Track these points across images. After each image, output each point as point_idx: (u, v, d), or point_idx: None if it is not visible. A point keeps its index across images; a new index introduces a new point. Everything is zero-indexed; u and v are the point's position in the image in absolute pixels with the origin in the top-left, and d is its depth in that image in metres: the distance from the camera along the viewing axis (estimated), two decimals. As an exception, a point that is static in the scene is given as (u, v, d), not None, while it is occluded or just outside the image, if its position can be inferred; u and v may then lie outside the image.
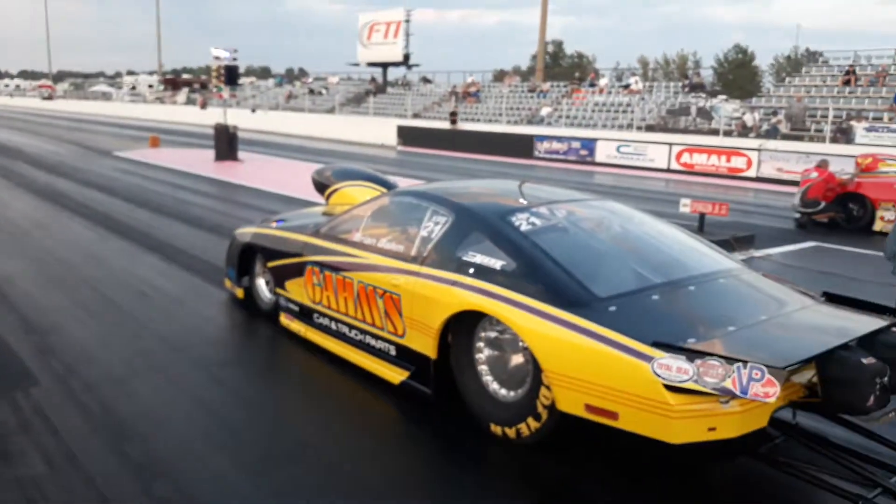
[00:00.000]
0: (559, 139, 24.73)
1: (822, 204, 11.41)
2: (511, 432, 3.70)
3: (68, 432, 3.82)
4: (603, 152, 23.14)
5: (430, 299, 4.01)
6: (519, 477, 3.57)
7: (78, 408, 4.13)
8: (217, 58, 19.38)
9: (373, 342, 4.51)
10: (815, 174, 11.63)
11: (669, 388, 2.99)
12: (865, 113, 21.55)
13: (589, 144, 23.65)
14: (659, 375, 3.00)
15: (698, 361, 2.93)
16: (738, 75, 60.95)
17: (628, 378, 3.10)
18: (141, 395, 4.33)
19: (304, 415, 4.20)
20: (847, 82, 23.73)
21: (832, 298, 3.87)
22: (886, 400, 3.07)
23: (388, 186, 6.17)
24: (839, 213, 11.45)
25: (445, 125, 30.11)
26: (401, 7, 38.22)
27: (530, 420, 3.60)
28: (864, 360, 2.99)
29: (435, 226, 4.31)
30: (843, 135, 20.48)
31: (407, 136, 29.48)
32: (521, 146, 25.23)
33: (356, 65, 41.50)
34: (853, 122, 20.69)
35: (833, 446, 3.34)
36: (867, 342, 3.24)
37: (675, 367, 2.97)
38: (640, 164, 21.92)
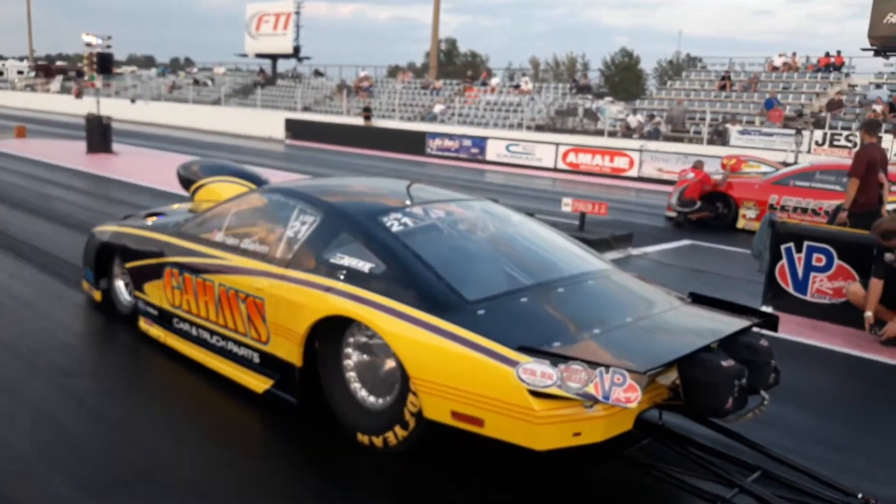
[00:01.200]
0: (451, 137, 24.85)
1: (698, 203, 11.88)
2: (378, 441, 3.54)
3: None
4: (493, 151, 23.42)
5: (296, 304, 3.79)
6: (387, 488, 3.43)
7: None
8: (88, 44, 18.17)
9: (235, 349, 4.23)
10: (691, 175, 12.11)
11: (534, 393, 2.92)
12: (739, 116, 22.86)
13: (480, 143, 23.88)
14: (523, 380, 2.92)
15: (562, 366, 2.88)
16: (623, 78, 63.37)
17: (493, 383, 3.01)
18: (-28, 412, 3.87)
19: (159, 428, 3.86)
20: (723, 87, 25.12)
21: (698, 299, 3.93)
22: (744, 402, 3.13)
23: (259, 182, 5.86)
24: (711, 211, 12.00)
25: (336, 119, 29.66)
26: (291, -1, 37.40)
27: (398, 428, 3.46)
28: (724, 363, 3.03)
29: (302, 226, 4.08)
30: (720, 137, 21.64)
31: (296, 129, 28.83)
32: (414, 143, 25.19)
33: (244, 56, 40.30)
34: (728, 125, 21.91)
35: (697, 447, 3.38)
36: (728, 343, 3.30)
37: (540, 372, 2.90)
38: (528, 163, 22.34)
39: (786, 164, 13.10)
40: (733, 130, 21.45)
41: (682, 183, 12.16)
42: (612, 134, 23.74)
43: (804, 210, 10.94)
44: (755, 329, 3.56)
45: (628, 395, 2.75)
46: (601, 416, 2.94)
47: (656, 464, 3.20)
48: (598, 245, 8.06)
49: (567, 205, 9.47)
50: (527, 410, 2.92)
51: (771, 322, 3.71)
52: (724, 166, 14.94)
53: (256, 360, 4.10)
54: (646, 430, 3.37)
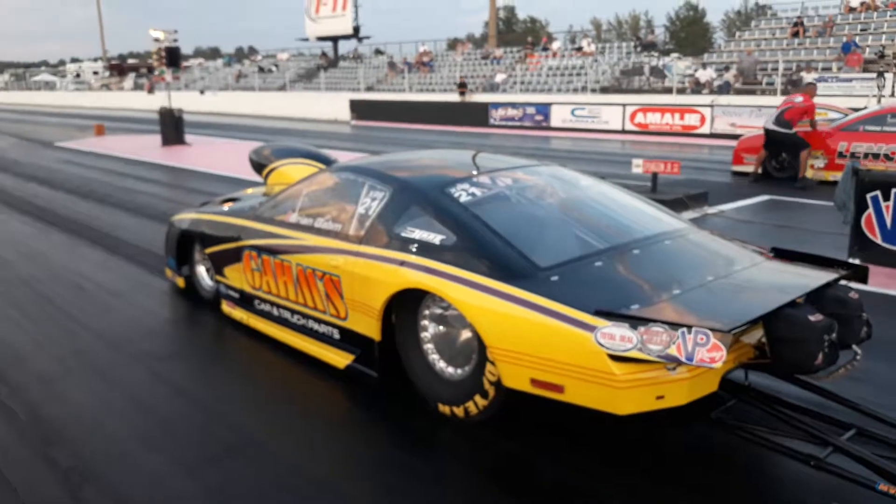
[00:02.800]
0: (514, 105, 24.56)
1: (793, 130, 11.10)
2: (459, 411, 3.57)
3: (-10, 441, 3.59)
4: (558, 117, 23.04)
5: (371, 279, 3.84)
6: (470, 456, 3.45)
7: (2, 414, 3.89)
8: (156, 39, 18.73)
9: (315, 326, 4.33)
10: (799, 99, 11.25)
11: (614, 357, 2.88)
12: (814, 64, 21.73)
13: (544, 109, 23.52)
14: (602, 345, 2.88)
15: (642, 329, 2.82)
16: (690, 33, 61.14)
17: (572, 349, 2.98)
18: (72, 396, 4.10)
19: (246, 406, 4.00)
20: (796, 34, 23.90)
21: (781, 254, 3.79)
22: (835, 357, 3.00)
23: (328, 162, 5.93)
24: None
25: (398, 96, 29.70)
26: (347, -22, 37.50)
27: (478, 398, 3.48)
28: (812, 318, 2.91)
29: (372, 202, 4.12)
30: (794, 86, 20.61)
31: (360, 109, 29.06)
32: (477, 114, 25.02)
33: (305, 40, 40.72)
34: (803, 74, 20.84)
35: (786, 406, 3.27)
36: (816, 297, 3.17)
37: (619, 336, 2.85)
38: (594, 126, 21.89)
39: (856, 111, 12.37)
40: (809, 78, 20.34)
41: (785, 104, 11.36)
42: (681, 91, 22.97)
43: (875, 156, 10.37)
44: (843, 282, 3.41)
45: (713, 356, 2.67)
46: (685, 378, 2.87)
47: (744, 425, 3.12)
48: (673, 205, 7.85)
49: (638, 166, 9.25)
50: (608, 375, 2.89)
51: (860, 274, 3.54)
52: None
53: (336, 336, 4.18)
54: (732, 391, 3.28)
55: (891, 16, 22.93)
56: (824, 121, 12.31)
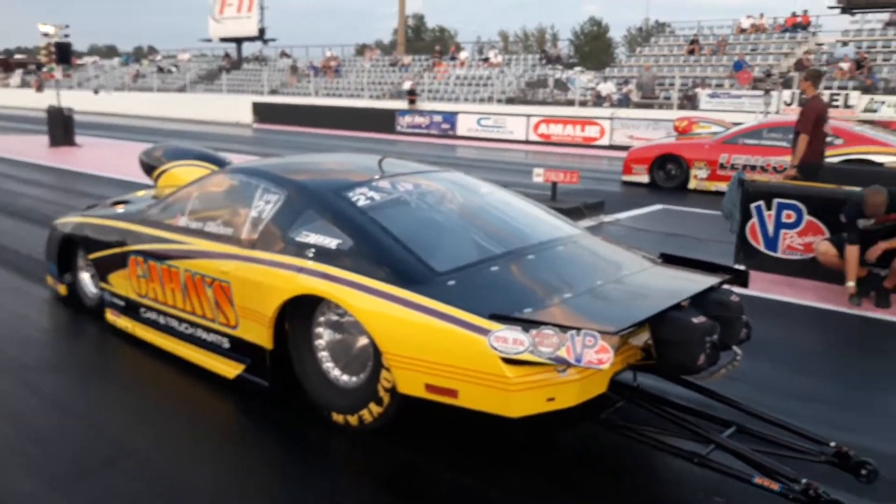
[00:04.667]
0: (421, 113, 24.66)
1: None
2: (353, 419, 3.50)
3: None
4: (464, 126, 23.29)
5: (263, 285, 3.71)
6: (363, 465, 3.40)
7: None
8: (45, 34, 17.71)
9: (204, 335, 4.16)
10: None
11: (507, 360, 2.89)
12: (709, 80, 22.89)
13: (450, 118, 23.73)
14: (496, 348, 2.89)
15: (534, 332, 2.85)
16: (593, 47, 63.25)
17: (466, 353, 2.98)
18: (-66, 413, 3.78)
19: (128, 419, 3.79)
20: (692, 51, 25.14)
21: (668, 259, 3.92)
22: (717, 357, 3.12)
23: (222, 164, 5.74)
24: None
25: (302, 100, 29.26)
26: (255, -20, 36.70)
27: (372, 405, 3.42)
28: (695, 320, 3.01)
29: (266, 205, 3.99)
30: (689, 101, 21.66)
31: (263, 112, 28.49)
32: (384, 121, 24.98)
33: (208, 41, 39.60)
34: (698, 90, 21.92)
35: (671, 406, 3.37)
36: (699, 301, 3.28)
37: (512, 339, 2.87)
38: (499, 136, 22.26)
39: (736, 125, 13.20)
40: (703, 94, 21.47)
41: None
42: (583, 103, 23.68)
43: (753, 167, 11.04)
44: (726, 286, 3.55)
45: (600, 357, 2.72)
46: (575, 379, 2.91)
47: (632, 425, 3.20)
48: (571, 213, 8.04)
49: (539, 175, 9.43)
50: (500, 378, 2.89)
51: (741, 278, 3.71)
52: (675, 128, 15.03)
53: (226, 345, 4.03)
54: (620, 392, 3.36)
55: (777, 38, 24.49)
56: (708, 133, 13.02)
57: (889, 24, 23.05)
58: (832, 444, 3.07)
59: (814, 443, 3.15)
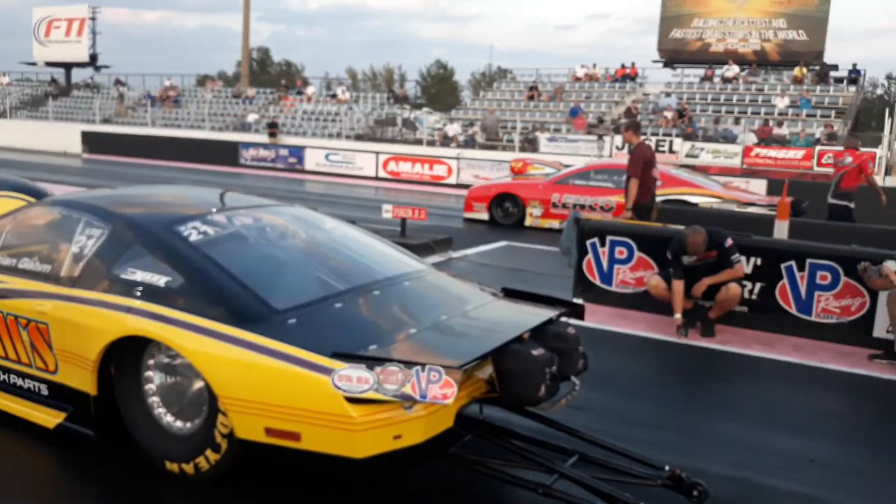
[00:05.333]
0: (266, 146, 24.13)
1: (852, 204, 9.92)
2: (189, 468, 3.27)
3: None
4: (312, 160, 23.03)
5: (84, 326, 3.41)
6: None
7: None
8: None
9: (19, 382, 3.76)
10: (848, 159, 10.08)
11: (352, 400, 2.82)
12: (547, 125, 24.23)
13: (298, 152, 23.39)
14: (339, 388, 2.81)
15: (378, 369, 2.80)
16: (440, 89, 65.01)
17: (308, 394, 2.87)
18: None
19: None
20: (531, 97, 26.52)
21: (510, 293, 4.02)
22: (557, 388, 3.22)
23: (40, 196, 5.28)
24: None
25: (138, 130, 27.80)
26: (84, 3, 34.60)
27: (209, 452, 3.21)
28: (534, 352, 3.10)
29: (88, 240, 3.69)
30: (530, 144, 22.78)
31: (94, 142, 26.70)
32: (226, 154, 24.14)
33: (32, 64, 36.68)
34: (538, 133, 23.12)
35: (517, 438, 3.43)
36: (539, 333, 3.39)
37: (356, 378, 2.81)
38: (349, 171, 22.19)
39: (566, 166, 14.14)
40: (542, 138, 22.68)
41: (838, 170, 10.15)
42: (431, 143, 24.23)
43: (582, 206, 11.71)
44: (563, 318, 3.69)
45: (445, 392, 2.73)
46: (421, 416, 2.89)
47: (479, 458, 3.21)
48: (420, 249, 8.12)
49: (388, 211, 9.48)
50: (344, 418, 2.81)
51: (577, 311, 3.88)
52: (512, 169, 15.84)
53: (44, 392, 3.66)
54: (467, 426, 3.37)
55: (609, 87, 26.42)
56: (541, 174, 13.78)
57: (704, 78, 25.62)
58: (666, 467, 3.24)
59: (650, 467, 3.31)
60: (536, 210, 12.27)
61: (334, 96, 29.60)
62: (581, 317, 3.89)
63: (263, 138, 25.80)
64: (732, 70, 24.91)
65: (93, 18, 34.31)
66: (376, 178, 21.65)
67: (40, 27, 35.24)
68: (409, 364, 2.78)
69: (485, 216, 12.77)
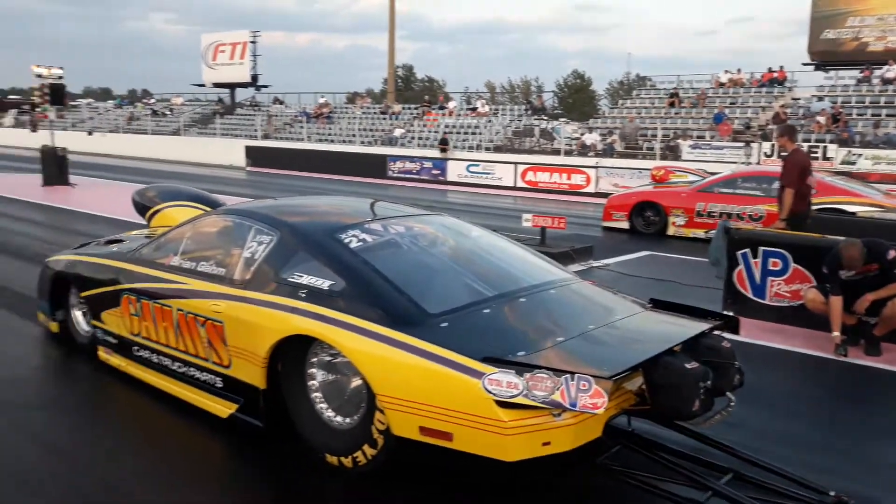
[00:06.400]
0: (412, 159, 24.91)
1: None
2: (347, 461, 3.47)
3: None
4: (454, 172, 23.56)
5: (255, 325, 3.72)
6: (356, 509, 3.36)
7: None
8: (39, 76, 17.87)
9: (197, 374, 4.14)
10: None
11: (501, 404, 2.90)
12: (690, 131, 23.34)
13: (440, 164, 24.01)
14: (490, 391, 2.90)
15: (528, 375, 2.86)
16: (576, 99, 64.37)
17: (460, 396, 2.98)
18: (-78, 454, 3.71)
19: (119, 458, 3.74)
20: (672, 104, 25.67)
21: (659, 305, 3.96)
22: (711, 404, 3.14)
23: (215, 206, 5.78)
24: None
25: (295, 145, 29.51)
26: (246, 28, 37.32)
27: (366, 447, 3.40)
28: (688, 366, 3.05)
29: (258, 246, 4.02)
30: (672, 152, 22.04)
31: (257, 156, 28.70)
32: (375, 166, 25.20)
33: (202, 86, 39.96)
34: (679, 140, 22.33)
35: (667, 451, 3.38)
36: (691, 346, 3.32)
37: (506, 382, 2.88)
38: (488, 182, 22.50)
39: (712, 174, 13.52)
40: (684, 145, 21.87)
41: None
42: (569, 152, 24.04)
43: (728, 215, 11.25)
44: (717, 332, 3.59)
45: (595, 402, 2.74)
46: (570, 424, 2.92)
47: (628, 470, 3.20)
48: (560, 258, 8.09)
49: (527, 220, 9.54)
50: (495, 422, 2.90)
51: (731, 324, 3.75)
52: (653, 177, 15.36)
53: (219, 384, 4.01)
54: (615, 437, 3.36)
55: (755, 92, 25.09)
56: (684, 182, 13.29)
57: (861, 80, 23.73)
58: (832, 493, 3.08)
59: (813, 491, 3.15)
60: (679, 219, 11.95)
61: (474, 109, 30.05)
62: (736, 330, 3.76)
63: (409, 151, 26.64)
64: (894, 70, 22.87)
65: (253, 42, 36.82)
66: (515, 188, 21.79)
67: (208, 52, 38.31)
68: (558, 372, 2.83)
69: (625, 225, 12.59)
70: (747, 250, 6.89)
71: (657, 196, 12.55)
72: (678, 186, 13.03)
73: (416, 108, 32.45)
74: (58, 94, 18.19)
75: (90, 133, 36.83)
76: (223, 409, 3.98)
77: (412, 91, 62.73)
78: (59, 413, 4.35)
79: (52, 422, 4.20)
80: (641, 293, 4.33)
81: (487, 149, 25.85)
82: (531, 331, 3.38)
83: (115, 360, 4.78)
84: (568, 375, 2.79)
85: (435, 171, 23.94)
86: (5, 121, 47.81)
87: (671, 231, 12.02)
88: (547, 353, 3.10)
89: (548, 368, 2.86)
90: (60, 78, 18.14)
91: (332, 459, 3.53)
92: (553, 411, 2.88)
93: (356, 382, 3.52)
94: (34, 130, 35.63)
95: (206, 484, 3.55)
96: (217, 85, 38.92)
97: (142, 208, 6.05)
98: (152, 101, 45.25)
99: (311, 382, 3.69)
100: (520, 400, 2.85)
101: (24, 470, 3.56)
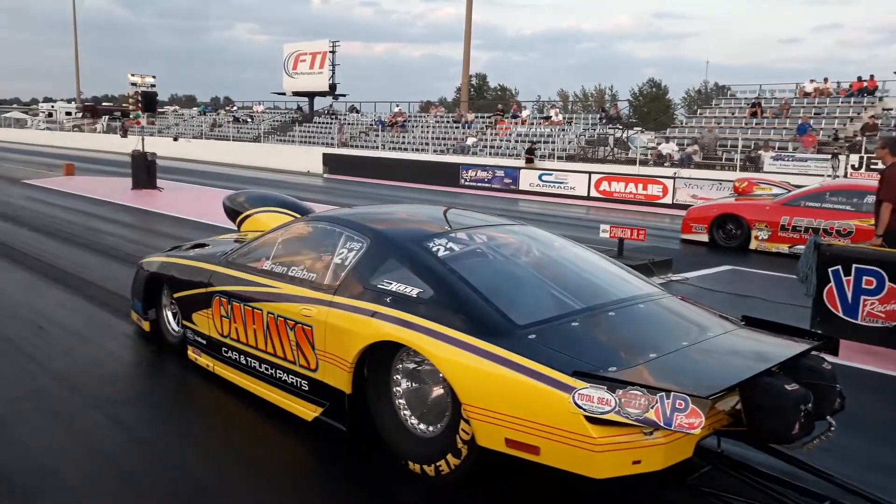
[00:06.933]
0: (484, 168, 24.95)
1: None
2: (430, 470, 3.49)
3: (-65, 490, 3.40)
4: (526, 181, 23.47)
5: (344, 330, 3.78)
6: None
7: (-51, 462, 3.70)
8: (134, 84, 18.72)
9: (284, 376, 4.24)
10: None
11: (591, 419, 2.86)
12: (772, 142, 22.58)
13: (512, 173, 23.95)
14: (580, 406, 2.86)
15: (620, 391, 2.82)
16: (652, 108, 63.20)
17: (548, 410, 2.96)
18: (26, 442, 3.93)
19: (208, 457, 3.87)
20: (754, 114, 24.88)
21: (752, 322, 3.84)
22: (811, 427, 3.03)
23: (303, 212, 5.92)
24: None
25: (370, 153, 29.96)
26: (326, 38, 38.19)
27: (450, 456, 3.41)
28: (788, 387, 2.94)
29: (349, 252, 4.10)
30: (753, 163, 21.36)
31: (333, 163, 29.28)
32: (448, 174, 25.34)
33: (282, 94, 41.08)
34: (761, 152, 21.61)
35: (758, 474, 3.27)
36: (790, 367, 3.20)
37: (597, 398, 2.84)
38: (561, 191, 22.31)
39: (797, 187, 13.00)
40: (766, 156, 21.15)
41: None
42: (644, 162, 23.61)
43: (815, 230, 10.82)
44: (815, 352, 3.46)
45: (691, 421, 2.67)
46: (661, 443, 2.86)
47: (719, 492, 3.11)
48: (638, 270, 7.94)
49: (605, 231, 9.41)
50: (584, 437, 2.86)
51: (830, 345, 3.60)
52: (735, 189, 14.88)
53: (305, 387, 4.10)
54: (706, 458, 3.27)
55: (843, 102, 24.07)
56: (768, 195, 12.84)
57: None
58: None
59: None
60: (763, 233, 11.58)
61: (547, 118, 29.88)
62: (835, 352, 3.60)
63: (482, 160, 26.70)
64: None
65: (332, 52, 37.67)
66: (588, 198, 21.53)
67: (289, 61, 39.38)
68: (653, 389, 2.77)
69: (704, 238, 12.27)
70: (839, 267, 6.61)
71: (739, 209, 12.18)
72: (762, 199, 12.63)
73: (488, 117, 32.51)
74: (150, 102, 19.00)
75: (175, 139, 38.16)
76: (308, 412, 4.06)
77: (485, 100, 62.92)
78: (150, 409, 4.52)
79: (147, 418, 4.37)
80: (724, 309, 4.20)
81: (560, 158, 25.65)
82: (621, 346, 3.33)
83: (204, 360, 4.94)
84: (663, 393, 2.73)
85: (507, 181, 23.91)
86: (98, 126, 50.30)
87: (753, 245, 11.66)
88: (639, 369, 3.05)
89: (642, 385, 2.80)
90: (152, 86, 18.96)
91: (415, 467, 3.56)
92: (644, 429, 2.83)
93: (440, 391, 3.54)
94: (124, 136, 37.41)
95: (288, 485, 3.61)
96: (296, 93, 39.92)
97: (232, 213, 6.24)
98: (234, 108, 46.84)
99: (395, 389, 3.73)
100: (611, 417, 2.81)
101: (124, 465, 3.71)
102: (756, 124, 24.44)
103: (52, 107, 64.58)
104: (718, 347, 3.42)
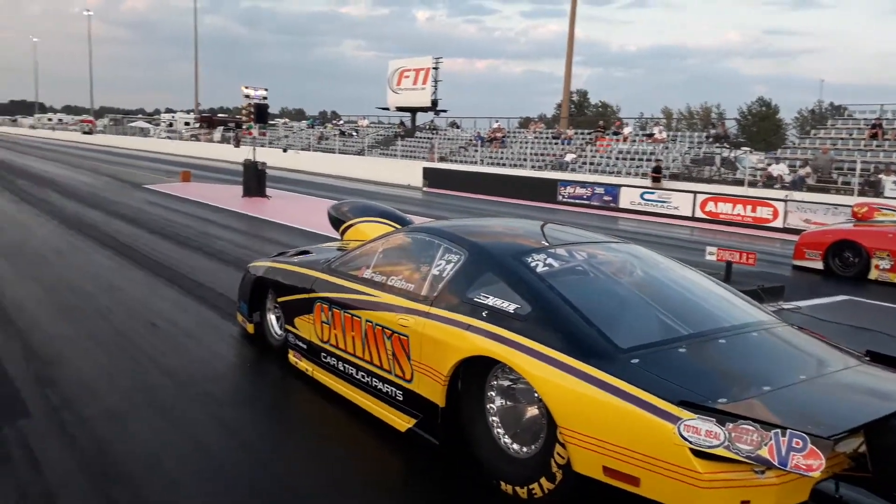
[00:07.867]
0: (583, 185, 24.59)
1: None
2: (522, 492, 3.40)
3: (51, 469, 3.62)
4: (626, 198, 22.92)
5: (440, 342, 3.76)
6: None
7: (67, 444, 3.93)
8: (247, 96, 19.58)
9: (379, 385, 4.26)
10: None
11: (697, 453, 2.70)
12: (894, 166, 21.12)
13: (612, 190, 23.46)
14: (686, 439, 2.71)
15: (730, 425, 2.65)
16: (761, 127, 60.67)
17: (651, 440, 2.82)
18: (136, 432, 4.12)
19: (303, 461, 3.93)
20: (874, 136, 23.35)
21: (877, 358, 3.56)
22: (946, 477, 2.75)
23: (404, 223, 5.98)
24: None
25: (469, 168, 30.11)
26: (429, 55, 38.75)
27: (544, 480, 3.31)
28: (921, 431, 2.69)
29: (447, 264, 4.08)
30: (872, 188, 20.05)
31: (433, 177, 29.61)
32: (546, 190, 25.12)
33: (386, 109, 41.97)
34: (882, 175, 20.26)
35: (879, 524, 3.01)
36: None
37: (705, 431, 2.68)
38: (663, 211, 21.65)
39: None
40: (888, 181, 19.77)
41: None
42: (752, 183, 22.58)
43: None
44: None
45: (810, 463, 2.48)
46: (774, 483, 2.67)
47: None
48: (747, 296, 7.58)
49: (711, 253, 9.05)
50: (689, 472, 2.71)
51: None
52: (854, 214, 13.96)
53: (400, 397, 4.10)
54: (821, 503, 3.04)
55: (973, 126, 22.26)
56: (891, 222, 11.99)
57: None
58: None
59: None
60: (885, 262, 10.80)
61: (650, 136, 29.14)
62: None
63: (581, 176, 26.32)
64: None
65: (436, 68, 38.18)
66: (692, 219, 20.80)
67: (394, 77, 40.22)
68: (767, 425, 2.59)
69: (818, 265, 11.54)
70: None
71: (858, 235, 11.41)
72: (884, 226, 11.79)
73: (588, 134, 32.06)
74: (262, 113, 19.80)
75: (285, 150, 39.79)
76: (402, 422, 4.06)
77: (585, 116, 62.22)
78: (249, 410, 4.64)
79: (246, 417, 4.49)
80: (842, 343, 3.91)
81: (664, 177, 24.92)
82: (732, 376, 3.14)
83: (304, 365, 5.04)
84: (778, 430, 2.55)
85: (606, 198, 23.45)
86: (213, 136, 53.00)
87: (873, 275, 10.89)
88: (751, 402, 2.86)
89: (755, 420, 2.63)
90: (264, 98, 19.75)
91: (507, 488, 3.48)
92: (756, 468, 2.65)
93: (536, 411, 3.45)
94: (237, 146, 39.20)
95: (379, 495, 3.62)
96: (400, 109, 40.70)
97: (336, 222, 6.38)
98: (340, 122, 48.27)
99: (489, 406, 3.67)
100: (720, 451, 2.65)
101: (224, 464, 3.82)
102: (876, 146, 22.93)
103: (173, 117, 68.82)
104: (840, 383, 3.17)
